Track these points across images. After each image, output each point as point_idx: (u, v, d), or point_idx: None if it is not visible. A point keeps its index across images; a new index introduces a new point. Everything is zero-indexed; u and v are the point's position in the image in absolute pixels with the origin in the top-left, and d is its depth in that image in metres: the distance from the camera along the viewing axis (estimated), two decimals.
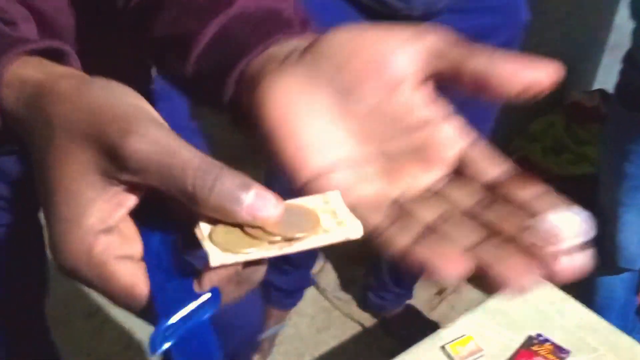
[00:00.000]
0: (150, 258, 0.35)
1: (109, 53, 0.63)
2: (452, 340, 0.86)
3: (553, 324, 0.89)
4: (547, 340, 0.86)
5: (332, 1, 1.13)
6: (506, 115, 1.44)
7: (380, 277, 1.71)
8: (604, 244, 1.32)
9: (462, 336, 0.86)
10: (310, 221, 0.34)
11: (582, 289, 1.40)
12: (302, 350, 1.77)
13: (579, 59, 2.21)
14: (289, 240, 0.33)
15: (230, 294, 0.35)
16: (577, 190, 1.81)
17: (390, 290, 1.73)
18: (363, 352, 1.76)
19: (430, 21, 1.12)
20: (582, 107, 1.98)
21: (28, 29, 0.42)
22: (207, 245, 0.33)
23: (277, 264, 1.62)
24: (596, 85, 2.25)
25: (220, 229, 0.33)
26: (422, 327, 1.77)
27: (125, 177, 0.33)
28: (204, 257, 0.32)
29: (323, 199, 0.36)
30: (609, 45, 2.21)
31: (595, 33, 2.20)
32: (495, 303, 0.91)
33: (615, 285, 1.36)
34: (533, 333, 0.87)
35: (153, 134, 0.32)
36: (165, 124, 0.34)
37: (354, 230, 0.35)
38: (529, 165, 1.89)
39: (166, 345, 0.33)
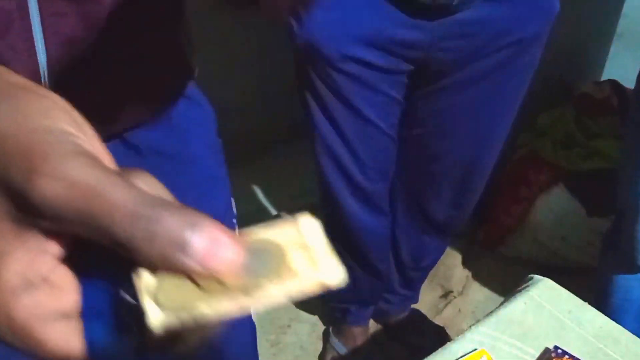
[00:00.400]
0: (90, 310, 0.29)
1: (149, 43, 0.62)
2: (464, 355, 0.80)
3: (570, 334, 0.83)
4: (565, 353, 0.80)
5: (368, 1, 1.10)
6: None
7: (388, 280, 1.65)
8: (621, 241, 1.26)
9: (473, 350, 0.80)
10: (278, 264, 0.28)
11: (597, 291, 1.34)
12: (303, 359, 1.71)
13: (586, 47, 2.15)
14: (251, 291, 0.27)
15: (181, 350, 0.29)
16: (590, 186, 1.76)
17: (397, 293, 1.67)
18: (368, 359, 1.70)
19: (464, 10, 1.09)
20: (592, 98, 1.92)
21: None
22: (148, 304, 0.27)
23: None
24: (605, 74, 2.20)
25: (166, 281, 0.27)
26: (428, 333, 1.71)
27: (43, 223, 0.26)
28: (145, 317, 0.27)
29: (296, 229, 0.30)
30: (617, 34, 2.15)
31: (603, 21, 2.14)
32: (507, 312, 0.85)
33: (633, 286, 1.30)
34: (550, 345, 0.81)
35: (68, 173, 0.25)
36: (95, 155, 0.27)
37: (331, 275, 0.28)
38: (538, 161, 1.83)
39: None
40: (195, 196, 0.81)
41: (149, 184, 0.29)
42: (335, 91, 1.18)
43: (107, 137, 0.69)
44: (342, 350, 1.69)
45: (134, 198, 0.26)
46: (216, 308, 0.27)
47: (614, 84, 1.99)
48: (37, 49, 0.57)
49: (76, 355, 0.28)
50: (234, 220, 0.91)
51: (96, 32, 0.59)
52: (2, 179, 0.26)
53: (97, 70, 0.61)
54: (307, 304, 1.80)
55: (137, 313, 0.27)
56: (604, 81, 2.04)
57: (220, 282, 0.27)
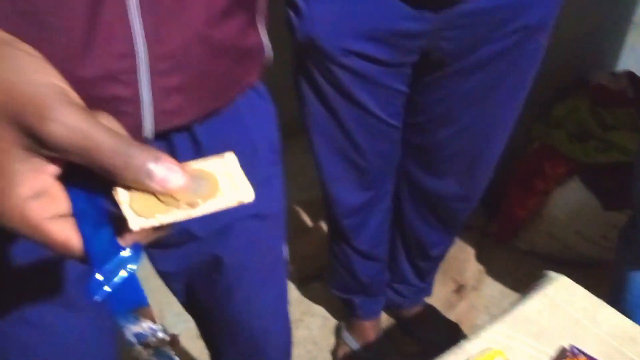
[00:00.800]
0: (78, 214, 0.40)
1: (234, 21, 0.65)
2: (479, 354, 0.78)
3: (586, 333, 0.82)
4: (581, 352, 0.79)
5: None
6: (527, 99, 1.35)
7: (399, 270, 1.64)
8: (638, 237, 1.24)
9: (489, 349, 0.79)
10: (211, 186, 0.41)
11: (613, 287, 1.32)
12: (315, 354, 1.72)
13: (602, 37, 2.13)
14: (193, 205, 0.40)
15: (147, 240, 0.41)
16: (605, 179, 1.74)
17: (409, 283, 1.66)
18: (381, 354, 1.70)
19: (468, 0, 1.07)
20: (607, 90, 1.90)
21: None
22: (126, 211, 0.39)
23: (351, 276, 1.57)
24: (620, 65, 2.17)
25: (136, 195, 0.39)
26: (442, 328, 1.70)
27: (48, 153, 0.37)
28: (123, 219, 0.39)
29: (223, 161, 0.43)
30: (633, 23, 2.12)
31: (620, 10, 2.11)
32: (522, 311, 0.84)
33: None
34: (566, 344, 0.80)
35: (68, 119, 0.36)
36: (79, 103, 0.37)
37: (246, 195, 0.42)
38: (553, 153, 1.81)
39: (105, 290, 0.39)
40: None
41: (111, 123, 0.40)
42: (335, 84, 1.16)
43: (180, 126, 0.69)
44: (354, 345, 1.68)
45: (113, 139, 0.37)
46: (172, 215, 0.39)
47: (630, 75, 1.96)
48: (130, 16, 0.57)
49: (75, 245, 0.39)
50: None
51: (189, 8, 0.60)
52: (16, 121, 0.36)
53: (187, 48, 0.61)
54: (318, 298, 1.80)
55: (117, 216, 0.39)
56: (620, 72, 2.02)
57: (174, 197, 0.39)
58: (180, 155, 0.73)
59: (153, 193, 0.39)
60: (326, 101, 1.20)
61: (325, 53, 1.11)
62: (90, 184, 0.40)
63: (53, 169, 0.39)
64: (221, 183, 0.41)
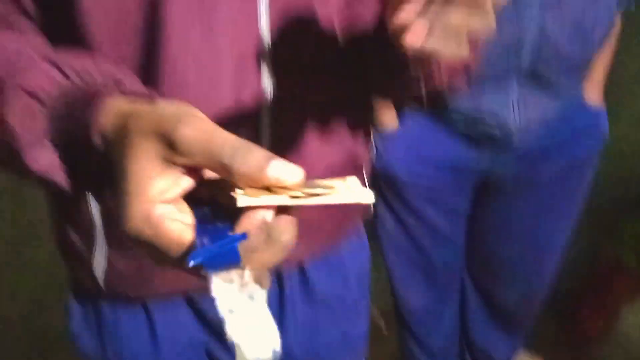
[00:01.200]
0: (198, 228, 0.42)
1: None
2: None
3: None
4: None
5: (434, 133, 1.26)
6: (594, 217, 1.44)
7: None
8: None
9: None
10: (327, 188, 0.43)
11: None
12: None
13: None
14: (307, 196, 0.42)
15: (263, 255, 0.42)
16: None
17: None
18: None
19: (521, 140, 1.23)
20: None
21: (132, 83, 0.54)
22: (237, 195, 0.41)
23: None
24: None
25: (251, 189, 0.42)
26: None
27: (179, 160, 0.41)
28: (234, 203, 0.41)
29: (343, 181, 0.45)
30: None
31: None
32: None
33: None
34: None
35: (196, 124, 0.41)
36: (207, 119, 0.43)
37: (365, 197, 0.43)
38: (622, 270, 1.83)
39: (199, 260, 0.40)
40: (339, 320, 0.92)
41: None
42: (406, 204, 1.34)
43: (290, 267, 0.81)
44: None
45: (233, 138, 0.41)
46: (280, 198, 0.41)
47: None
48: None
49: (187, 240, 0.41)
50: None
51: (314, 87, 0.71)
52: (157, 132, 0.41)
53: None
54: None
55: (229, 215, 0.42)
56: None
57: (286, 189, 0.41)
58: (290, 295, 0.85)
59: (269, 190, 0.41)
60: (397, 216, 1.38)
61: (398, 181, 1.30)
62: (213, 206, 0.44)
63: (184, 182, 0.43)
64: (337, 188, 0.43)
